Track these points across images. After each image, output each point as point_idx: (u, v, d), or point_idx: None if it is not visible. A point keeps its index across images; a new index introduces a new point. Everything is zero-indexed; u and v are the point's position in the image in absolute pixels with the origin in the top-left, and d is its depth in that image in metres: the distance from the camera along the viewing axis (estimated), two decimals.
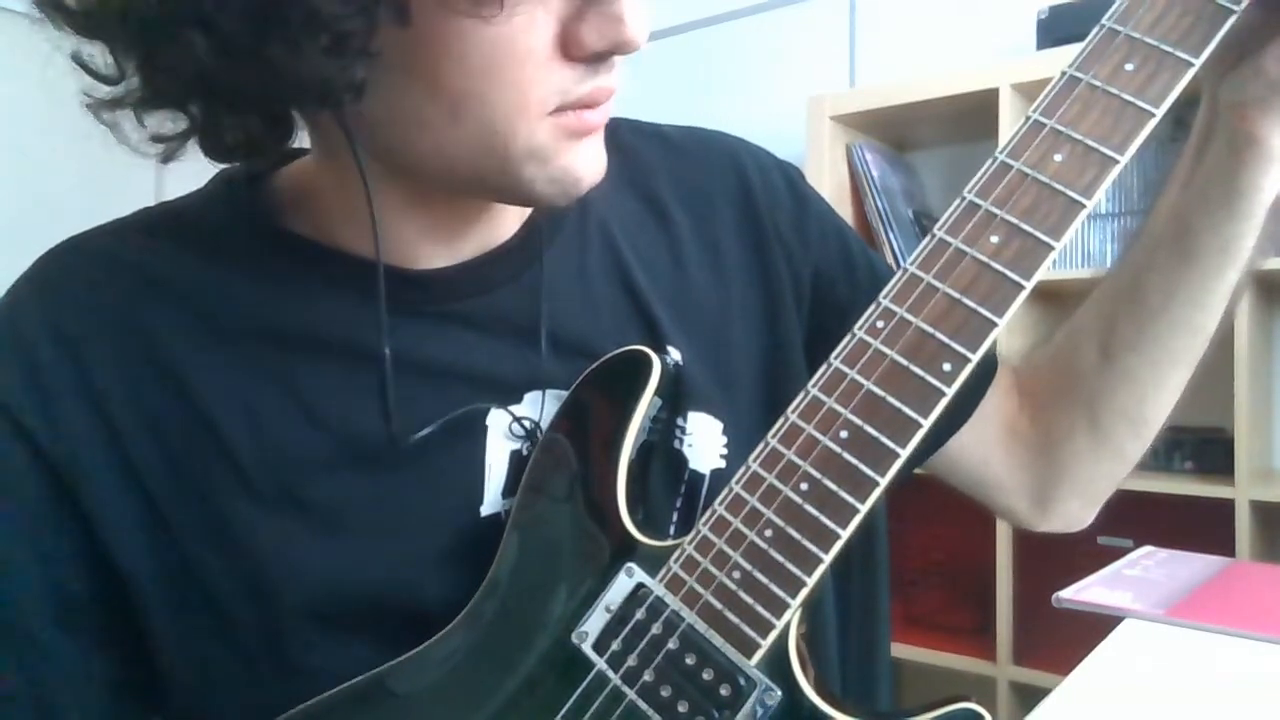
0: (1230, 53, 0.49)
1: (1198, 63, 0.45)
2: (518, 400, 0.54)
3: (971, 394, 0.64)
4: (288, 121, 0.50)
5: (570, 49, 0.44)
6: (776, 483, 0.46)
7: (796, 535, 0.44)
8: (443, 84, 0.44)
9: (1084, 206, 0.44)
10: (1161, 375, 0.59)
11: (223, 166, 0.58)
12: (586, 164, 0.49)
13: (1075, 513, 0.68)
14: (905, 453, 0.44)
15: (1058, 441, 0.64)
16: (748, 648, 0.44)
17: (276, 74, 0.40)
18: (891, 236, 1.72)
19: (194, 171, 0.59)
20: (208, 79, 0.41)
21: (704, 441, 0.56)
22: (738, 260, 0.62)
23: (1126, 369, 0.59)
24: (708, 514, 0.47)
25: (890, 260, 1.72)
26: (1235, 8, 0.45)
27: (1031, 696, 1.41)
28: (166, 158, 0.48)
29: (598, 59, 0.45)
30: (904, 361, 0.45)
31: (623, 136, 0.65)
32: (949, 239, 0.46)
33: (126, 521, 0.50)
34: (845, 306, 0.62)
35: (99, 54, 0.45)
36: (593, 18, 0.44)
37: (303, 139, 0.54)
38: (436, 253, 0.55)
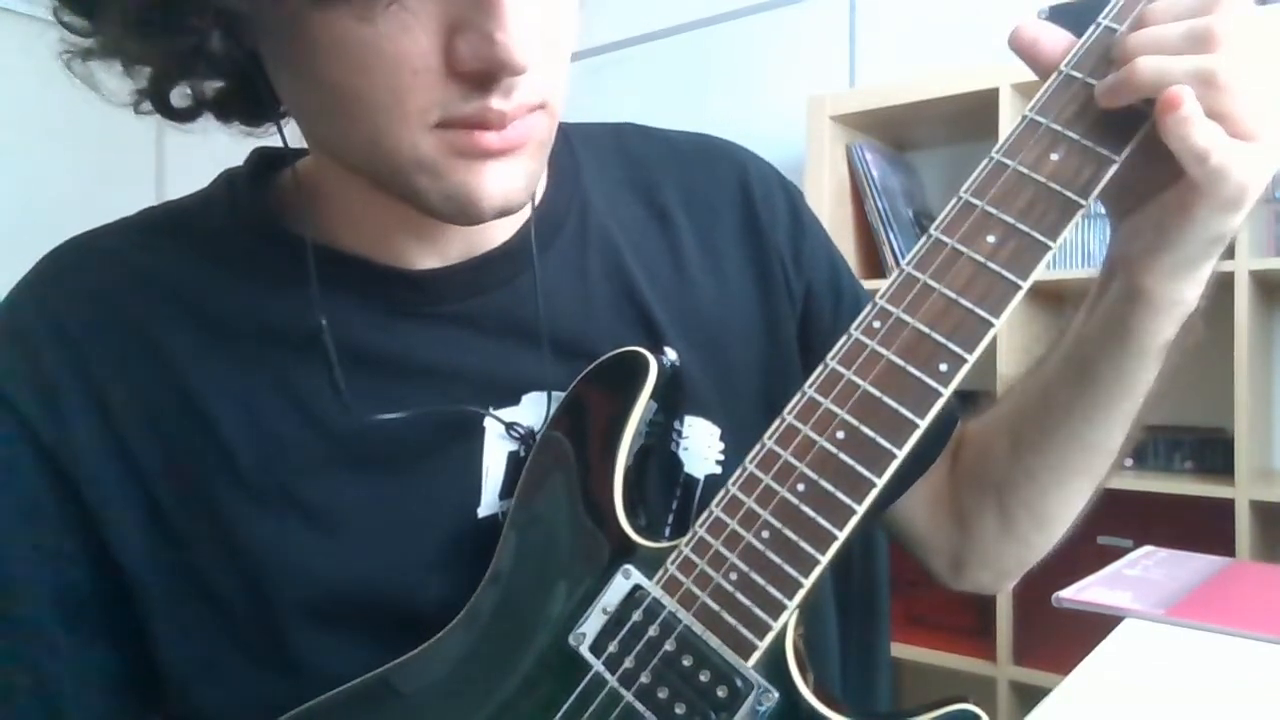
0: (1125, 199, 0.49)
1: None
2: (515, 401, 0.54)
3: (940, 435, 0.65)
4: (235, 84, 0.51)
5: (453, 63, 0.42)
6: (773, 484, 0.46)
7: (793, 537, 0.44)
8: (322, 77, 0.43)
9: (1081, 206, 0.44)
10: (1061, 479, 0.59)
11: (221, 169, 0.58)
12: (489, 186, 0.45)
13: (987, 582, 0.68)
14: (902, 453, 0.44)
15: (970, 517, 0.65)
16: (744, 649, 0.44)
17: (125, 41, 0.42)
18: (891, 236, 1.72)
19: (194, 172, 0.59)
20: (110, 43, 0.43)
21: (700, 445, 0.56)
22: (738, 266, 0.63)
23: (1029, 467, 0.60)
24: (704, 515, 0.47)
25: (890, 260, 1.72)
26: None
27: (1031, 696, 1.41)
28: (135, 107, 0.50)
29: (485, 78, 0.43)
30: (900, 362, 0.45)
31: (628, 141, 0.65)
32: (945, 239, 0.46)
33: (127, 518, 0.50)
34: (828, 334, 0.62)
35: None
36: (469, 33, 0.41)
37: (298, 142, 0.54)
38: (421, 252, 0.54)
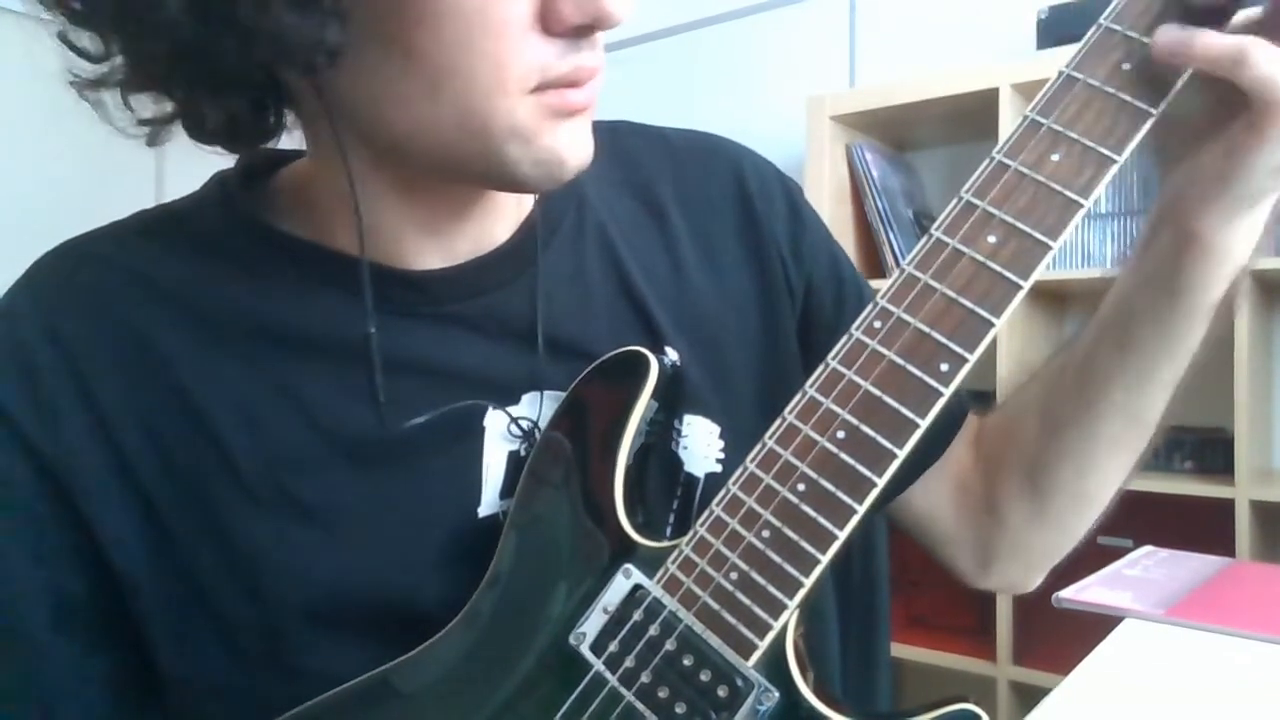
0: (1174, 147, 0.48)
1: None
2: (515, 402, 0.54)
3: (944, 431, 0.64)
4: (269, 103, 0.50)
5: (549, 23, 0.44)
6: (774, 483, 0.46)
7: (794, 536, 0.44)
8: (419, 56, 0.43)
9: (1081, 206, 0.44)
10: (1099, 455, 0.58)
11: (219, 169, 0.58)
12: (572, 146, 0.47)
13: (1017, 577, 0.67)
14: (902, 453, 0.44)
15: (1001, 505, 0.63)
16: (745, 649, 0.44)
17: (248, 33, 0.40)
18: (891, 236, 1.72)
19: (193, 172, 0.59)
20: (184, 47, 0.42)
21: (699, 444, 0.56)
22: (736, 263, 0.62)
23: (1065, 444, 0.58)
24: (705, 515, 0.47)
25: (890, 260, 1.72)
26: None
27: (1031, 696, 1.41)
28: (152, 140, 0.49)
29: (579, 34, 0.44)
30: (901, 362, 0.45)
31: (624, 138, 0.65)
32: (946, 239, 0.46)
33: (124, 523, 0.50)
34: (831, 327, 0.62)
35: (85, 35, 0.45)
36: None
37: (299, 141, 0.54)
38: (429, 251, 0.54)
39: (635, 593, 0.47)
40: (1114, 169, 0.45)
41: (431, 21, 0.42)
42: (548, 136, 0.46)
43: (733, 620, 0.45)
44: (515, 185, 0.48)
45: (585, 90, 0.47)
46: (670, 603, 0.46)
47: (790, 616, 0.44)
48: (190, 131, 0.49)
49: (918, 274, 0.46)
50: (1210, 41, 0.43)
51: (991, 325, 0.44)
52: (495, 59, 0.43)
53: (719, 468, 0.56)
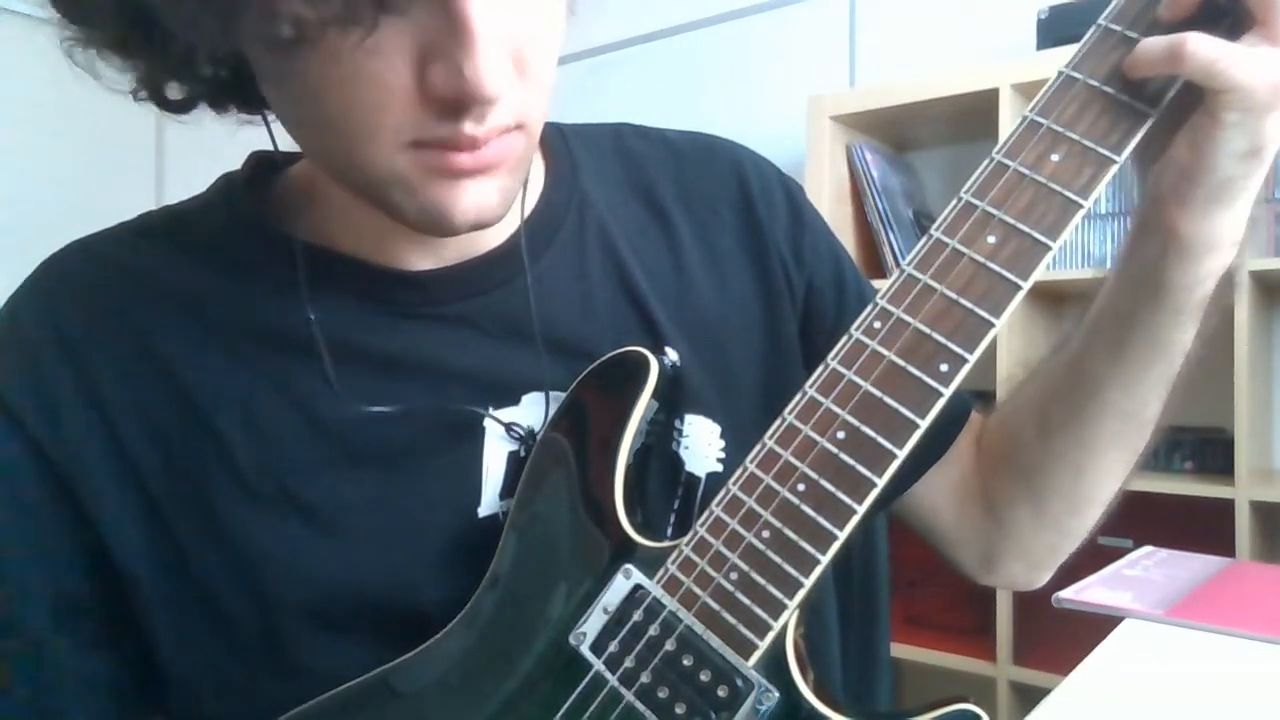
0: (1149, 147, 0.48)
1: None
2: (515, 402, 0.54)
3: (945, 430, 0.64)
4: (232, 78, 0.51)
5: (426, 89, 0.42)
6: (774, 484, 0.46)
7: (793, 536, 0.44)
8: (300, 92, 0.44)
9: (1081, 206, 0.44)
10: (1096, 456, 0.58)
11: (225, 171, 0.58)
12: (464, 202, 0.46)
13: (1020, 575, 0.67)
14: (902, 453, 0.44)
15: (1000, 506, 0.63)
16: (745, 649, 0.44)
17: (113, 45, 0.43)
18: (891, 236, 1.72)
19: (193, 173, 0.59)
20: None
21: (701, 444, 0.56)
22: (738, 264, 0.62)
23: (1060, 446, 0.58)
24: (705, 515, 0.47)
25: (890, 260, 1.72)
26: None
27: (1031, 696, 1.41)
28: (134, 95, 0.50)
29: (457, 104, 0.43)
30: (901, 362, 0.45)
31: (626, 140, 0.65)
32: (946, 239, 0.46)
33: (126, 521, 0.50)
34: (832, 327, 0.62)
35: None
36: (440, 62, 0.41)
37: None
38: (416, 253, 0.55)
39: (635, 593, 0.47)
40: (1114, 169, 0.44)
41: (316, 62, 0.42)
42: (434, 191, 0.45)
43: (733, 620, 0.45)
44: (409, 226, 0.48)
45: (479, 154, 0.45)
46: (670, 603, 0.46)
47: (790, 616, 0.44)
48: (154, 101, 0.50)
49: (917, 274, 0.46)
50: (1147, 45, 0.43)
51: (991, 325, 0.44)
52: (366, 109, 0.43)
53: (720, 467, 0.56)
